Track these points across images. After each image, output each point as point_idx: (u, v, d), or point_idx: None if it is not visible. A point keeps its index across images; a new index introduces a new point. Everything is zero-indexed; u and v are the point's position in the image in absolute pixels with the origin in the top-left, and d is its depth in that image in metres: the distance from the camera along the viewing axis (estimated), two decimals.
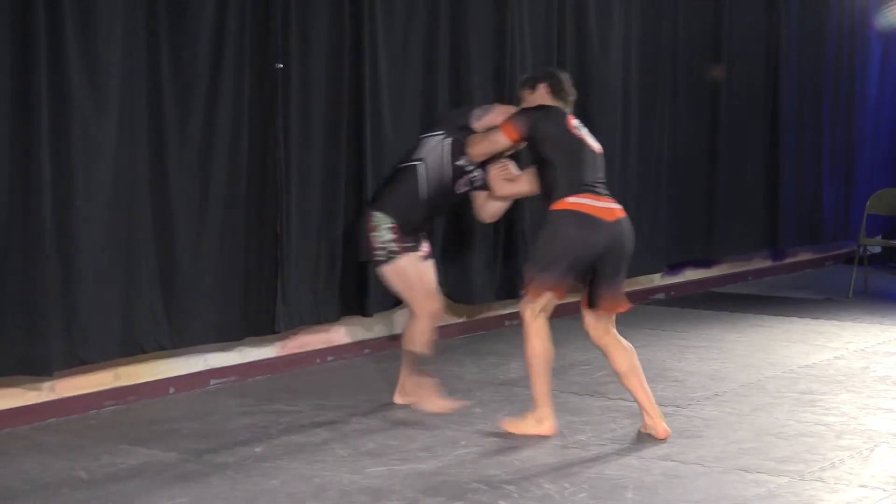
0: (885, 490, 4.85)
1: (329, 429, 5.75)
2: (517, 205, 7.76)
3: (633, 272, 9.18)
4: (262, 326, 6.72)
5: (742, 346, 7.45)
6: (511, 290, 8.04)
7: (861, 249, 10.04)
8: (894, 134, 11.75)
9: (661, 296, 9.50)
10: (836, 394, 6.46)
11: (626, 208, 5.70)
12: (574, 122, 5.78)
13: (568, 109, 5.84)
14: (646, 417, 5.62)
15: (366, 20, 7.07)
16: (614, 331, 5.65)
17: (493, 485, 4.91)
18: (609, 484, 4.94)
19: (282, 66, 6.65)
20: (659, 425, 5.60)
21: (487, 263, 7.95)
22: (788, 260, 11.02)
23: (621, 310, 5.66)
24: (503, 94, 7.81)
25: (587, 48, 8.61)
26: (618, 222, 5.60)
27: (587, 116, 8.41)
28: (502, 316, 8.30)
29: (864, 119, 11.55)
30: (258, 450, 5.40)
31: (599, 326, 5.62)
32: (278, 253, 6.71)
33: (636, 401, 5.65)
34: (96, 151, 5.89)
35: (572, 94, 5.91)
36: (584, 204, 5.56)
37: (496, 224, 7.85)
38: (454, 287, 7.74)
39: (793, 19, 10.55)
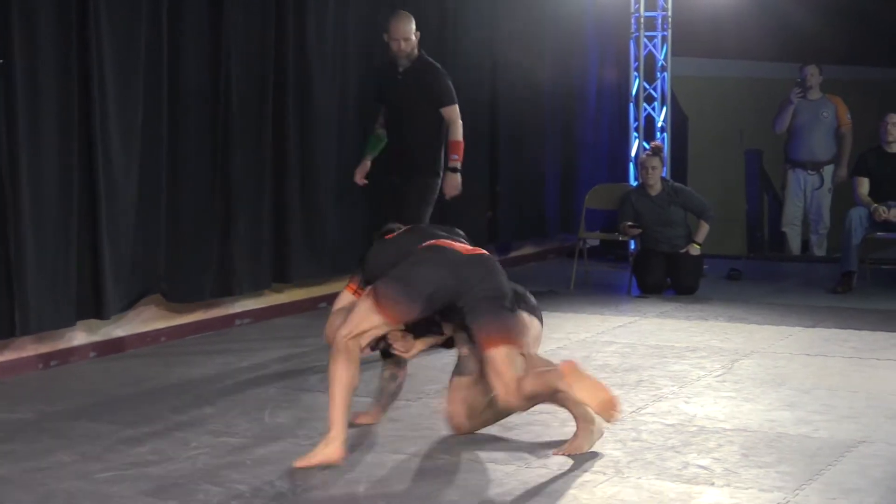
0: (605, 474, 5.05)
1: (53, 435, 5.57)
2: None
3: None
4: None
5: None
6: (229, 288, 8.02)
7: (581, 243, 10.41)
8: (612, 138, 12.20)
9: None
10: None
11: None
12: None
13: None
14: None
15: (91, 18, 6.87)
16: None
17: (225, 485, 4.86)
18: (343, 479, 4.96)
19: (2, 61, 6.40)
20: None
21: (207, 262, 7.86)
22: (513, 253, 11.32)
23: None
24: (219, 85, 7.81)
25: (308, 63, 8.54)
26: None
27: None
28: (232, 315, 8.23)
29: (584, 127, 11.96)
30: None
31: None
32: (8, 256, 6.46)
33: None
34: None
35: None
36: None
37: (214, 223, 7.81)
38: (174, 287, 7.64)
39: (512, 34, 10.78)
